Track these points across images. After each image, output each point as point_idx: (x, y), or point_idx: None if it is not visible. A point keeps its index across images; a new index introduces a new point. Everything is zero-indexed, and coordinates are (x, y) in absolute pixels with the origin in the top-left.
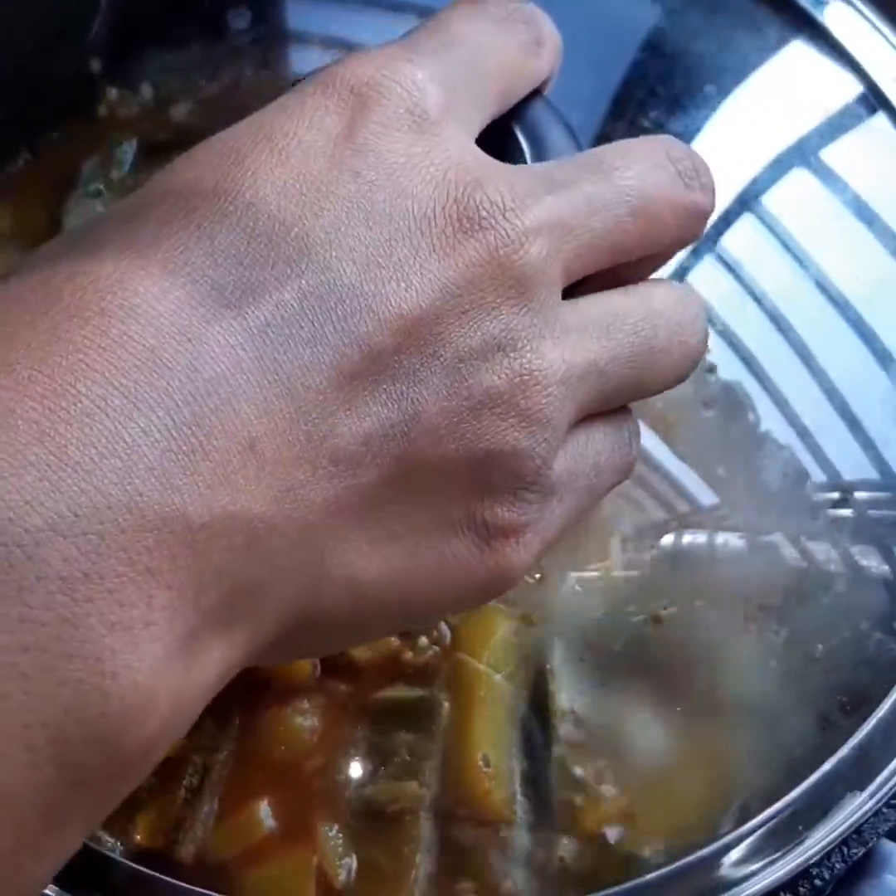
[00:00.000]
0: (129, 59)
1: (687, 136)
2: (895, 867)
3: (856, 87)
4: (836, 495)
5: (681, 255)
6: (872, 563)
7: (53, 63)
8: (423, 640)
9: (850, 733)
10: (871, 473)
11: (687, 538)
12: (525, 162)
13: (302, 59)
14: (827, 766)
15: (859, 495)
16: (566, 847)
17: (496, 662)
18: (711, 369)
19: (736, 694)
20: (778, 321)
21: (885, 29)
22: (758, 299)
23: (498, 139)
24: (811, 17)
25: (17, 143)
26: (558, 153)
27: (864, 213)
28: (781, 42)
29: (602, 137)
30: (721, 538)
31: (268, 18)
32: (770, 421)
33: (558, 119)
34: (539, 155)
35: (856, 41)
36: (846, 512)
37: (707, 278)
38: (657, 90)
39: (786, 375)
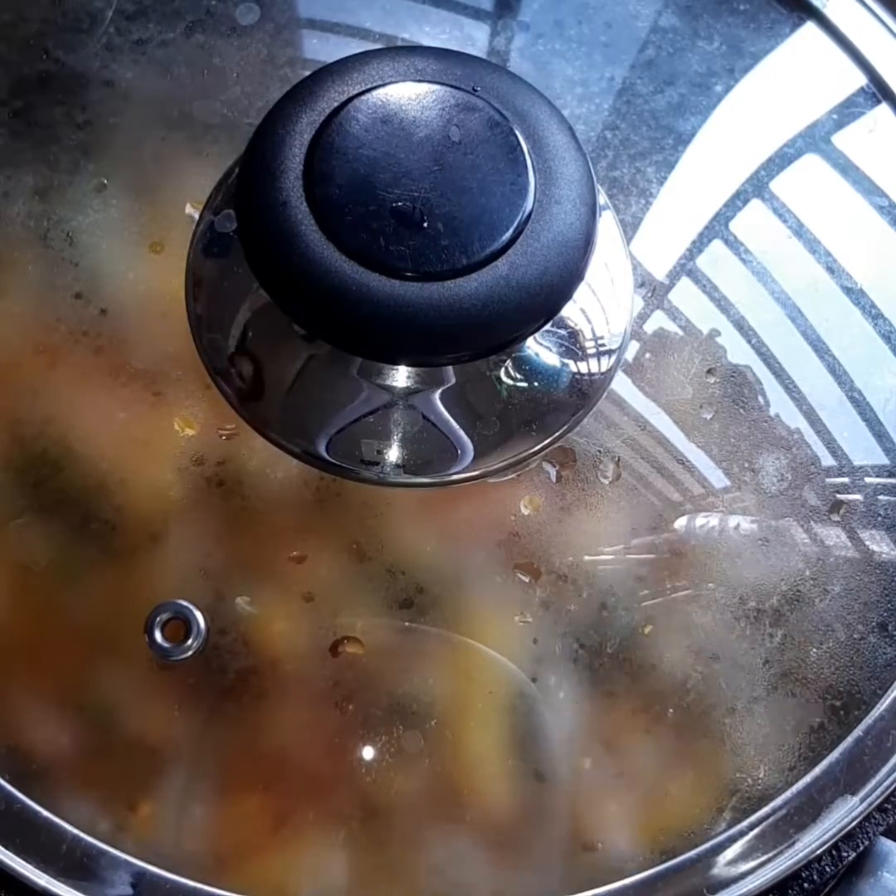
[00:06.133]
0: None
1: (694, 129)
2: (893, 866)
3: (859, 79)
4: (845, 480)
5: (690, 242)
6: (883, 548)
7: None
8: (421, 637)
9: (843, 737)
10: (881, 459)
11: (684, 538)
12: (525, 162)
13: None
14: (818, 770)
15: (868, 480)
16: (560, 844)
17: (492, 660)
18: (711, 371)
19: (729, 696)
20: (787, 306)
21: (889, 20)
22: (767, 285)
23: (498, 139)
24: (816, 10)
25: None
26: (559, 153)
27: (872, 202)
28: (786, 35)
29: (607, 134)
30: (718, 539)
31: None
32: (779, 406)
33: (559, 119)
34: (539, 155)
35: (860, 33)
36: (855, 497)
37: (716, 264)
38: (663, 84)
39: (795, 360)
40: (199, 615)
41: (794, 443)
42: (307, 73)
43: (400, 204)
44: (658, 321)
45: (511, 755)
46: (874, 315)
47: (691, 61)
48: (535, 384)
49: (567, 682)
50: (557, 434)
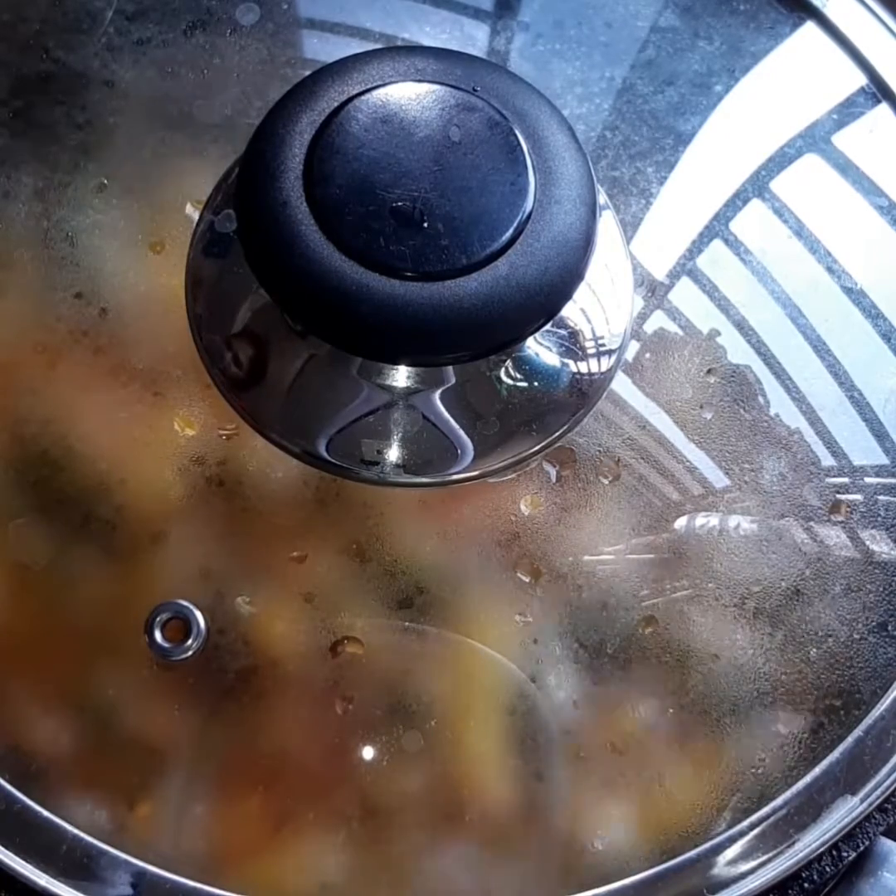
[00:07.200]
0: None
1: (694, 129)
2: (893, 866)
3: (859, 79)
4: (845, 480)
5: (690, 242)
6: (883, 548)
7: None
8: (421, 637)
9: (843, 737)
10: (881, 459)
11: (684, 538)
12: (525, 162)
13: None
14: (818, 770)
15: (868, 480)
16: (560, 844)
17: (492, 660)
18: (710, 371)
19: (729, 696)
20: (787, 306)
21: (889, 20)
22: (767, 285)
23: (498, 139)
24: (816, 10)
25: None
26: (559, 153)
27: (872, 202)
28: (786, 35)
29: (607, 134)
30: (718, 539)
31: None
32: (779, 406)
33: (559, 119)
34: (539, 155)
35: (860, 33)
36: (855, 497)
37: (716, 264)
38: (663, 84)
39: (795, 360)
40: (199, 615)
41: (794, 443)
42: (307, 73)
43: (400, 204)
44: (658, 321)
45: (511, 755)
46: (874, 315)
47: (691, 61)
48: (535, 384)
49: (567, 682)
50: (557, 434)
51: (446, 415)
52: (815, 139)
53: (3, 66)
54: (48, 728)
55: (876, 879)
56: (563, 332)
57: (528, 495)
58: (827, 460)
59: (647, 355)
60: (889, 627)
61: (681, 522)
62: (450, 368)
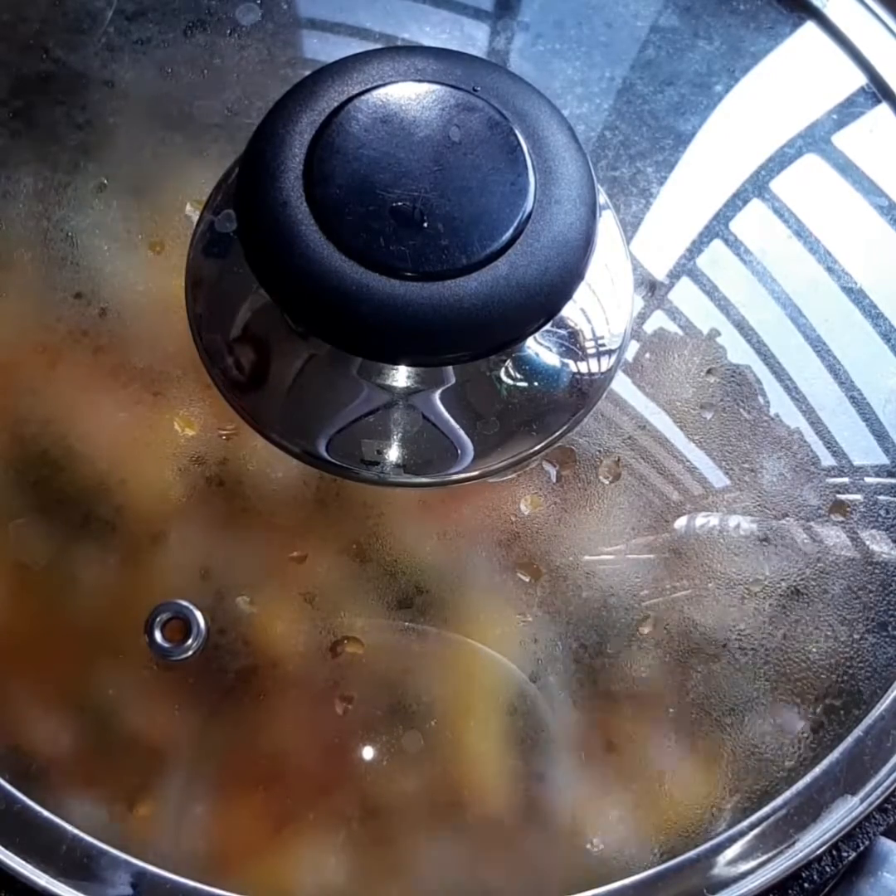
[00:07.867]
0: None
1: (694, 129)
2: (893, 866)
3: (859, 79)
4: (845, 480)
5: (690, 242)
6: (883, 548)
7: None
8: (421, 637)
9: (843, 737)
10: (881, 459)
11: (684, 538)
12: (525, 162)
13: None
14: (818, 770)
15: (868, 480)
16: (560, 844)
17: (492, 660)
18: (710, 371)
19: (729, 696)
20: (787, 306)
21: (889, 20)
22: (767, 285)
23: (498, 139)
24: (816, 10)
25: None
26: (559, 153)
27: (872, 201)
28: (786, 35)
29: (607, 134)
30: (718, 539)
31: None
32: (779, 406)
33: (559, 119)
34: (539, 155)
35: (860, 33)
36: (855, 497)
37: (716, 264)
38: (663, 84)
39: (795, 360)
40: (199, 615)
41: (794, 443)
42: (307, 73)
43: (400, 204)
44: (658, 321)
45: (511, 755)
46: (874, 315)
47: (691, 61)
48: (535, 384)
49: (567, 682)
50: (557, 434)
51: (446, 415)
52: (815, 139)
53: (3, 66)
54: (48, 728)
55: (876, 879)
56: (563, 332)
57: (528, 495)
58: (827, 460)
59: (647, 355)
60: (889, 627)
61: (681, 522)
62: (450, 368)
